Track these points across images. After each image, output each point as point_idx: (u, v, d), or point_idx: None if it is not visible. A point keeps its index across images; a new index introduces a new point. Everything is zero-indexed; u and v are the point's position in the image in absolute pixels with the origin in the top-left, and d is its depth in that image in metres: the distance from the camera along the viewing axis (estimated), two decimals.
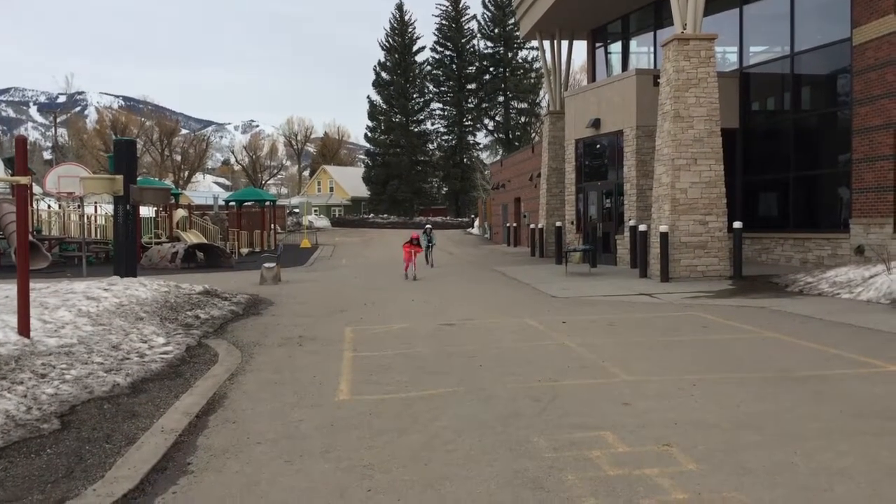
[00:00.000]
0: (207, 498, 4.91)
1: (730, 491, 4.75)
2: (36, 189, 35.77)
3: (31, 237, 23.67)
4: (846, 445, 5.63)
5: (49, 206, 35.20)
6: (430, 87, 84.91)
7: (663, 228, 18.70)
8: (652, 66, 25.88)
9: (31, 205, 29.10)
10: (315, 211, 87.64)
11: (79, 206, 30.89)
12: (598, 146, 26.24)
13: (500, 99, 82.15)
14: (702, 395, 7.25)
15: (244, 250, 39.39)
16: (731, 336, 10.83)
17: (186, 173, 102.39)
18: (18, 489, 5.01)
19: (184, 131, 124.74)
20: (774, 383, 7.71)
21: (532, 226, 33.90)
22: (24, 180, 9.47)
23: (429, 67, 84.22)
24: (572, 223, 27.43)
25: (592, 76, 31.35)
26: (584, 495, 4.74)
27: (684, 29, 19.29)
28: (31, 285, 9.91)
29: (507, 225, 44.65)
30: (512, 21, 71.34)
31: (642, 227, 20.27)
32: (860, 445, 5.62)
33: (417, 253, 22.39)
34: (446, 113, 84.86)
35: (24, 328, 8.89)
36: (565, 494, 4.76)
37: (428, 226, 29.05)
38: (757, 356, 9.24)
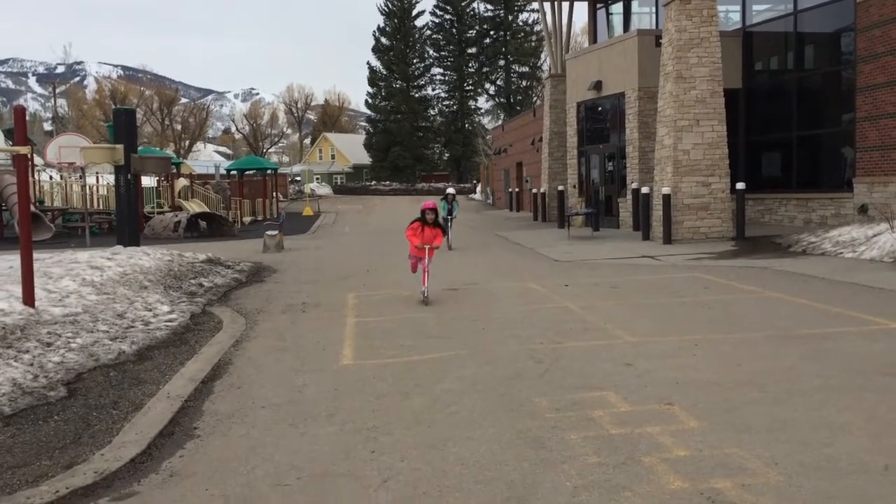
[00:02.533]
0: (214, 461, 4.97)
1: (731, 447, 4.79)
2: (38, 160, 35.71)
3: (33, 208, 23.68)
4: (847, 401, 5.67)
5: (51, 177, 35.14)
6: (431, 52, 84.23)
7: (666, 190, 18.64)
8: (654, 27, 25.59)
9: (33, 176, 29.06)
10: (317, 179, 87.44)
11: (80, 177, 30.85)
12: (600, 109, 26.08)
13: (501, 63, 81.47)
14: (703, 355, 7.29)
15: (246, 219, 39.36)
16: (733, 296, 10.85)
17: (187, 143, 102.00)
18: (27, 455, 5.07)
19: (183, 100, 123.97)
20: (776, 342, 7.74)
21: (534, 190, 33.82)
22: (24, 150, 9.45)
23: (429, 32, 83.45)
24: (574, 187, 27.36)
25: (594, 38, 31.03)
26: (587, 454, 4.78)
27: None
28: (35, 256, 9.94)
29: (510, 190, 44.53)
30: None
31: (645, 190, 20.21)
32: (860, 401, 5.66)
33: (435, 244, 11.34)
34: (447, 78, 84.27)
35: (28, 298, 8.94)
36: (568, 453, 4.81)
37: (450, 190, 21.79)
38: (759, 316, 9.26)
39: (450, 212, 20.25)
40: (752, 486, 4.21)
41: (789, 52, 22.66)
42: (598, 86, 24.80)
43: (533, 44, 78.31)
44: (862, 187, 19.01)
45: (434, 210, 11.46)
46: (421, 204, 11.88)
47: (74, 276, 11.16)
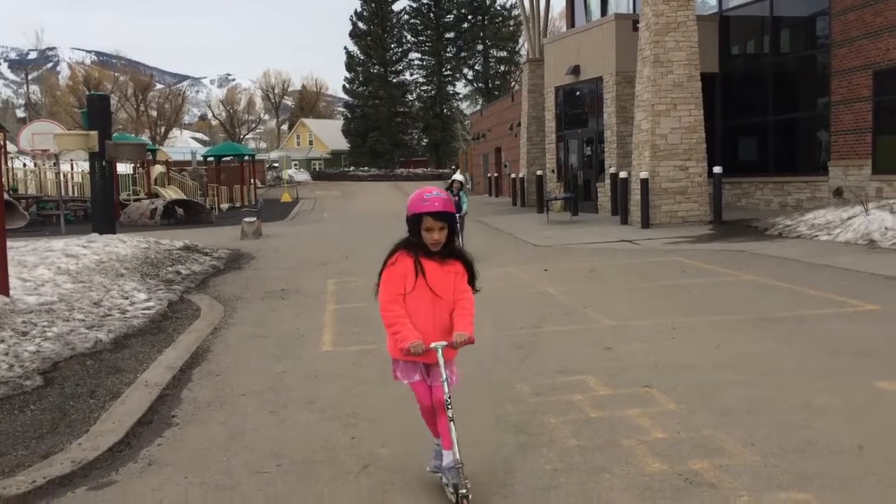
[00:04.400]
0: (193, 449, 4.94)
1: (709, 429, 4.83)
2: (10, 147, 35.21)
3: (6, 196, 23.37)
4: (823, 383, 5.73)
5: (24, 165, 34.66)
6: (408, 37, 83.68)
7: (643, 175, 18.71)
8: (631, 11, 25.61)
9: (6, 163, 28.67)
10: (295, 165, 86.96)
11: (54, 164, 30.45)
12: (578, 93, 26.09)
13: (479, 48, 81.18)
14: (682, 338, 7.34)
15: (224, 206, 39.08)
16: (710, 280, 10.92)
17: (163, 129, 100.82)
18: (3, 445, 5.01)
19: (159, 86, 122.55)
20: (753, 325, 7.80)
21: (513, 175, 33.84)
22: None
23: (406, 16, 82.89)
24: (553, 172, 27.40)
25: (571, 22, 31.02)
26: (567, 437, 4.81)
27: None
28: (9, 244, 9.81)
29: (489, 175, 44.54)
30: None
31: (623, 174, 20.27)
32: (837, 383, 5.72)
33: (455, 339, 4.04)
34: (425, 63, 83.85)
35: (2, 287, 8.83)
36: (548, 437, 4.83)
37: (457, 177, 15.97)
38: (736, 299, 9.34)
39: (458, 207, 14.08)
40: (729, 466, 4.24)
41: (765, 37, 22.77)
42: (575, 70, 24.80)
43: (511, 28, 78.08)
44: (837, 170, 19.18)
45: (448, 217, 3.98)
46: (411, 198, 4.04)
47: (49, 264, 11.05)
